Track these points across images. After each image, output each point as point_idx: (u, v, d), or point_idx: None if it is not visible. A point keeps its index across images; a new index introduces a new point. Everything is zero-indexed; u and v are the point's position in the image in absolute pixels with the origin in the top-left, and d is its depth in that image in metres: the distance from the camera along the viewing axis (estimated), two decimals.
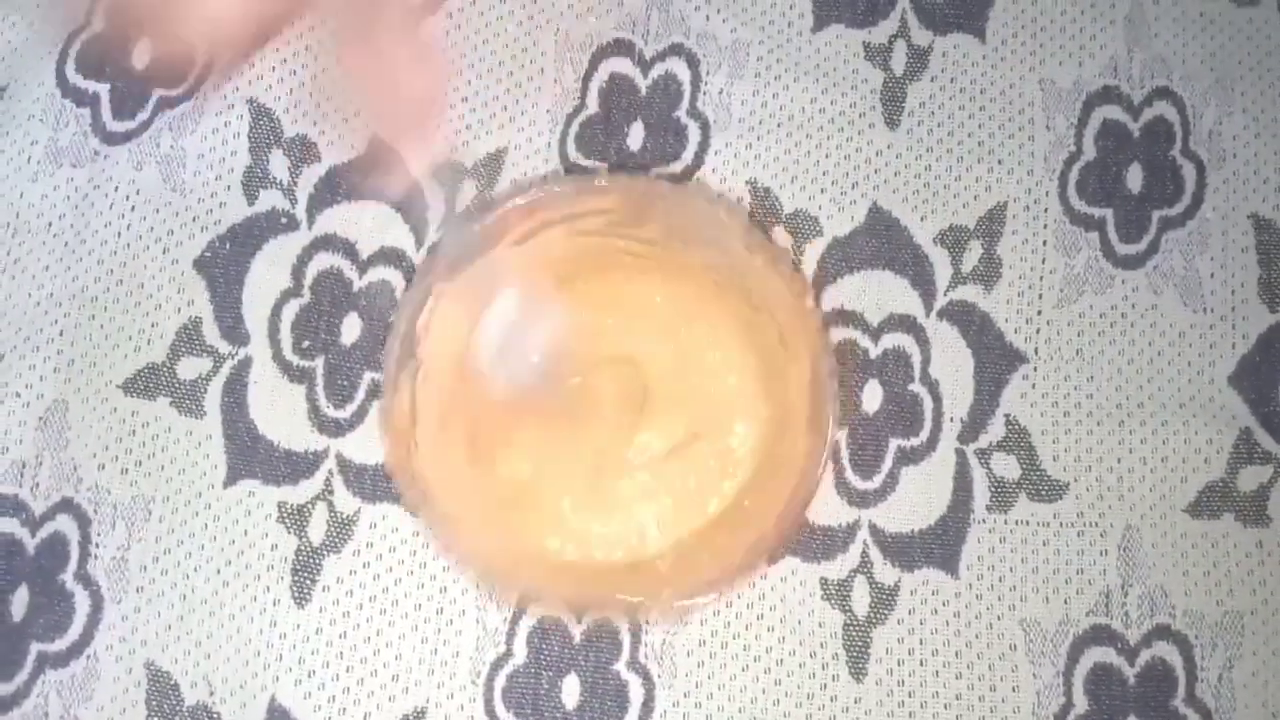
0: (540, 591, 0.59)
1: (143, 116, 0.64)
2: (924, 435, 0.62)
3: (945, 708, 0.59)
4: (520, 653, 0.59)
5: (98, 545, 0.60)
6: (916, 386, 0.62)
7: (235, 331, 0.62)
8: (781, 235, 0.63)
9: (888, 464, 0.61)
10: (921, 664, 0.60)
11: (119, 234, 0.63)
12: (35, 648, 0.59)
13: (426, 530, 0.59)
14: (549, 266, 0.61)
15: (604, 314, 0.62)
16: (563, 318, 0.61)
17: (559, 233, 0.61)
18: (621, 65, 0.65)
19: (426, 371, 0.60)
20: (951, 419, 0.62)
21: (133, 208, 0.63)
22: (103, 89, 0.64)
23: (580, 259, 0.62)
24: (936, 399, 0.62)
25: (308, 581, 0.60)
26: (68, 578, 0.59)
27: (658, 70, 0.65)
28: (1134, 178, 0.64)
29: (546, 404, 0.61)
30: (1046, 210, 0.64)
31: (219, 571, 0.60)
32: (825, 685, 0.59)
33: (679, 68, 0.65)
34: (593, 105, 0.65)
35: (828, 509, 0.60)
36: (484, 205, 0.63)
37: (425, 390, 0.60)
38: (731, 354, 0.61)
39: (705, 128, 0.65)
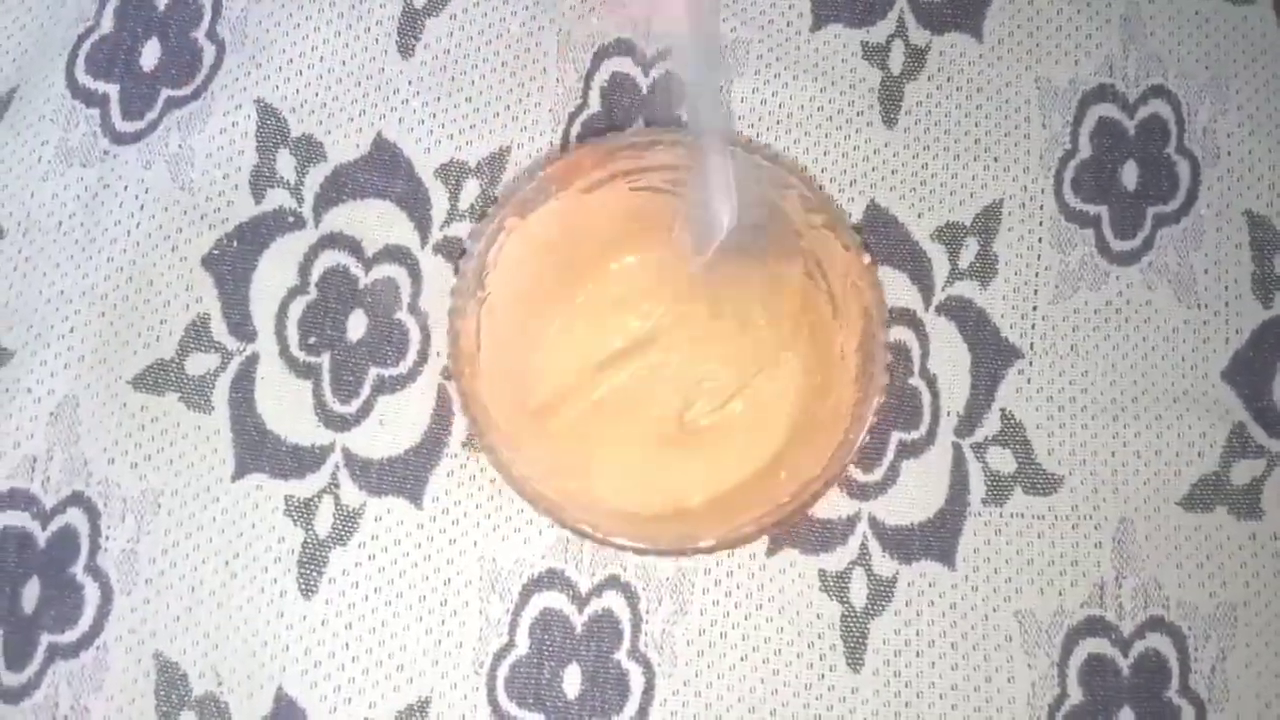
0: (591, 526, 0.57)
1: (151, 116, 0.64)
2: (923, 429, 0.62)
3: (941, 698, 0.60)
4: (523, 643, 0.60)
5: (107, 538, 0.60)
6: (916, 380, 0.63)
7: (243, 328, 0.62)
8: None
9: (889, 457, 0.62)
10: (918, 655, 0.60)
11: (128, 232, 0.63)
12: (46, 639, 0.59)
13: (482, 453, 0.59)
14: (611, 219, 0.61)
15: (652, 275, 0.62)
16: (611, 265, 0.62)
17: (625, 185, 0.61)
18: (623, 65, 0.66)
19: (491, 304, 0.60)
20: (949, 413, 0.62)
21: (142, 206, 0.63)
22: (112, 89, 0.65)
23: (641, 214, 0.62)
24: (934, 393, 0.63)
25: (314, 573, 0.60)
26: (78, 570, 0.60)
27: (658, 69, 0.66)
28: (1129, 175, 0.65)
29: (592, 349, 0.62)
30: (1042, 207, 0.64)
31: (227, 564, 0.60)
32: (823, 675, 0.60)
33: (680, 66, 0.65)
34: (595, 104, 0.65)
35: (828, 501, 0.60)
36: (556, 151, 0.64)
37: (489, 320, 0.59)
38: (778, 314, 0.62)
39: None
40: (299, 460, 0.61)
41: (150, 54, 0.65)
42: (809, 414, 0.61)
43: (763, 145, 0.64)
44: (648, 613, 0.60)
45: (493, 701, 0.59)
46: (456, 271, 0.62)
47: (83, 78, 0.65)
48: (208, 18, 0.66)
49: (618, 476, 0.60)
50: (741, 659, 0.60)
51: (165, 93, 0.65)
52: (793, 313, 0.62)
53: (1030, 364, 0.63)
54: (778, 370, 0.61)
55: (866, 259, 0.59)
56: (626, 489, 0.60)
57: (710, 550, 0.57)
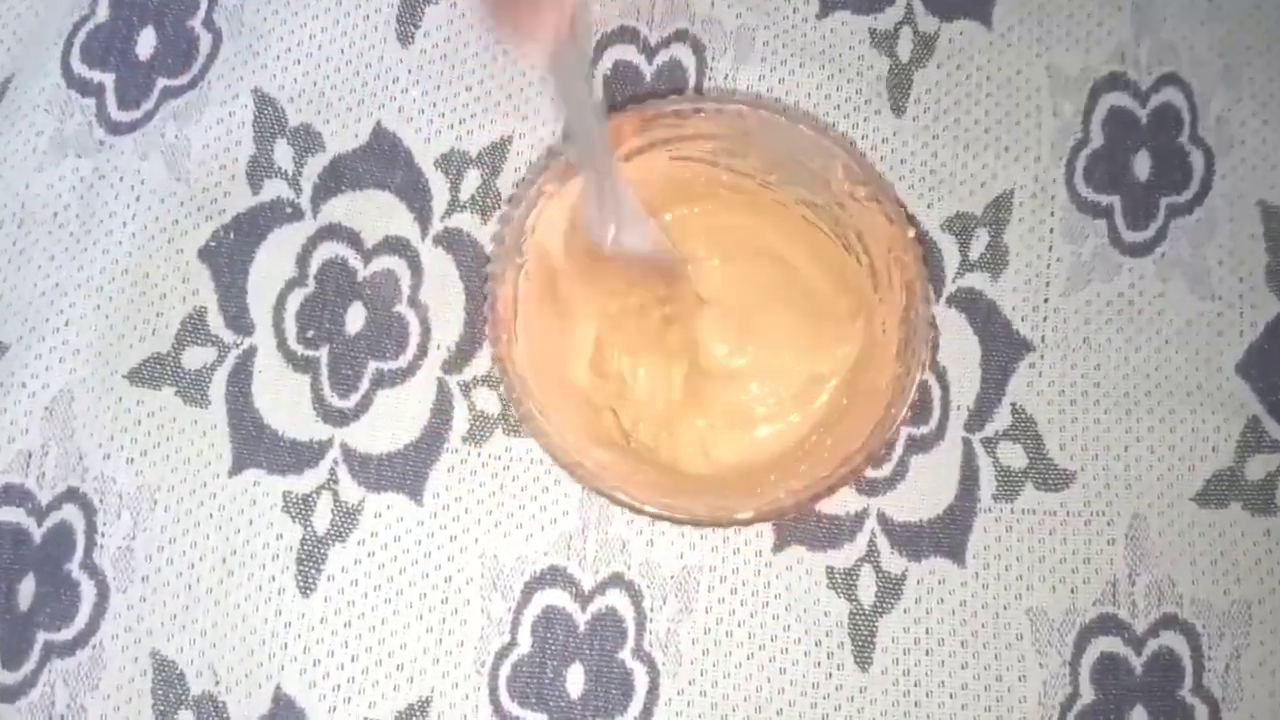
0: (626, 495, 0.56)
1: (147, 106, 0.63)
2: (933, 423, 0.61)
3: (951, 697, 0.59)
4: (525, 642, 0.59)
5: (103, 535, 0.59)
6: (926, 374, 0.61)
7: (240, 321, 0.61)
8: None
9: (898, 452, 0.61)
10: (927, 654, 0.59)
11: (124, 224, 0.62)
12: (42, 636, 0.58)
13: (523, 420, 0.57)
14: (650, 187, 0.59)
15: (690, 246, 0.61)
16: (651, 244, 0.60)
17: (664, 154, 0.60)
18: (626, 52, 0.65)
19: (529, 270, 0.58)
20: (959, 407, 0.61)
21: (138, 198, 0.62)
22: (107, 79, 0.64)
23: (679, 185, 0.61)
24: (944, 387, 0.62)
25: (313, 571, 0.59)
26: (74, 567, 0.59)
27: (663, 57, 0.65)
28: (1141, 165, 0.64)
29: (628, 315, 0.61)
30: (1054, 198, 0.63)
31: (224, 561, 0.59)
32: (830, 674, 0.59)
33: (684, 54, 0.65)
34: (598, 92, 0.64)
35: (836, 497, 0.59)
36: (601, 112, 0.61)
37: (527, 286, 0.58)
38: (813, 288, 0.61)
39: None
40: (297, 455, 0.60)
41: (146, 43, 0.64)
42: (850, 387, 0.60)
43: (808, 115, 0.63)
44: (652, 611, 0.59)
45: (494, 701, 0.58)
46: (493, 237, 0.61)
47: (78, 67, 0.64)
48: (205, 6, 0.65)
49: (655, 432, 0.60)
50: (748, 658, 0.59)
51: (161, 82, 0.64)
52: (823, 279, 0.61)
53: (1041, 357, 0.62)
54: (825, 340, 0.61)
55: (911, 233, 0.57)
56: (664, 445, 0.59)
57: (748, 522, 0.56)
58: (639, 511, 0.55)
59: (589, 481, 0.56)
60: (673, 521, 0.56)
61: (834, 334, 0.60)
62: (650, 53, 0.65)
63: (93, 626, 0.58)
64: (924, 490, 0.60)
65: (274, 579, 0.59)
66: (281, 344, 0.61)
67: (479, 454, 0.60)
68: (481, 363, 0.61)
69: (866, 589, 0.60)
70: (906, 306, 0.57)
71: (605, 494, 0.55)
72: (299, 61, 0.64)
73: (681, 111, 0.59)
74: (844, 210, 0.59)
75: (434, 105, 0.64)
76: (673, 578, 0.59)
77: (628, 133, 0.58)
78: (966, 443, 0.61)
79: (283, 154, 0.63)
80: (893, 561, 0.60)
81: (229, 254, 0.62)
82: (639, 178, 0.58)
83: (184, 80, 0.64)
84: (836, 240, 0.60)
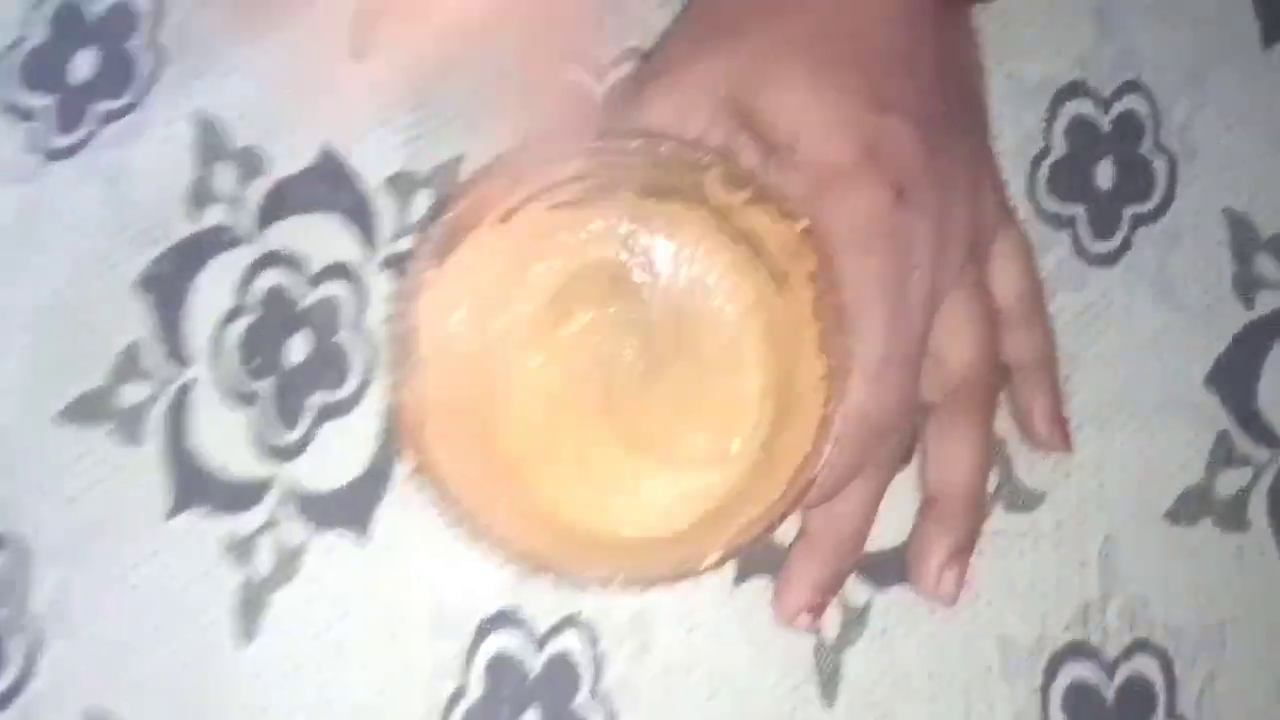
0: (577, 571, 0.49)
1: (85, 130, 0.57)
2: None
3: None
4: (477, 687, 0.52)
5: (37, 582, 0.53)
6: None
7: (178, 354, 0.55)
8: None
9: None
10: (894, 687, 0.53)
11: (60, 254, 0.55)
12: None
13: (459, 530, 0.49)
14: (533, 241, 0.53)
15: (587, 287, 0.54)
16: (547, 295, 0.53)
17: (541, 206, 0.52)
18: (579, 73, 0.59)
19: (431, 365, 0.51)
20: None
21: (74, 226, 0.56)
22: (43, 102, 0.57)
23: (563, 231, 0.53)
24: None
25: (254, 617, 0.53)
26: (3, 617, 0.52)
27: (617, 74, 0.58)
28: (1105, 174, 0.59)
29: (545, 377, 0.53)
30: (1016, 208, 0.57)
31: (162, 609, 0.53)
32: (795, 710, 0.53)
33: None
34: None
35: (795, 524, 0.53)
36: (461, 189, 0.56)
37: (430, 382, 0.51)
38: (721, 307, 0.54)
39: None
40: (237, 495, 0.54)
41: (84, 64, 0.58)
42: (779, 401, 0.52)
43: (666, 136, 0.53)
44: (609, 652, 0.53)
45: None
46: (386, 335, 0.55)
47: (13, 90, 0.57)
48: (148, 25, 0.58)
49: (597, 500, 0.52)
50: (709, 698, 0.53)
51: (100, 105, 0.57)
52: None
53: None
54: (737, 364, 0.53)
55: (799, 226, 0.50)
56: (611, 518, 0.52)
57: (716, 565, 0.48)
58: (605, 586, 0.48)
59: (544, 572, 0.48)
60: (641, 587, 0.48)
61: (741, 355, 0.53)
62: (601, 72, 0.58)
63: (23, 679, 0.52)
64: (886, 517, 0.54)
65: (214, 626, 0.53)
66: (221, 377, 0.55)
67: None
68: None
69: (830, 621, 0.54)
70: (815, 300, 0.50)
71: (567, 578, 0.48)
72: (246, 81, 0.57)
73: (543, 162, 0.51)
74: (729, 221, 0.52)
75: (382, 124, 0.57)
76: (630, 617, 0.53)
77: (494, 197, 0.51)
78: None
79: (225, 177, 0.56)
80: (856, 591, 0.54)
81: (167, 284, 0.56)
82: (523, 232, 0.51)
83: (124, 102, 0.57)
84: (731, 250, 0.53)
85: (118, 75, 0.57)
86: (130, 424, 0.54)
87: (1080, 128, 0.59)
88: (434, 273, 0.50)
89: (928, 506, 0.53)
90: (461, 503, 0.48)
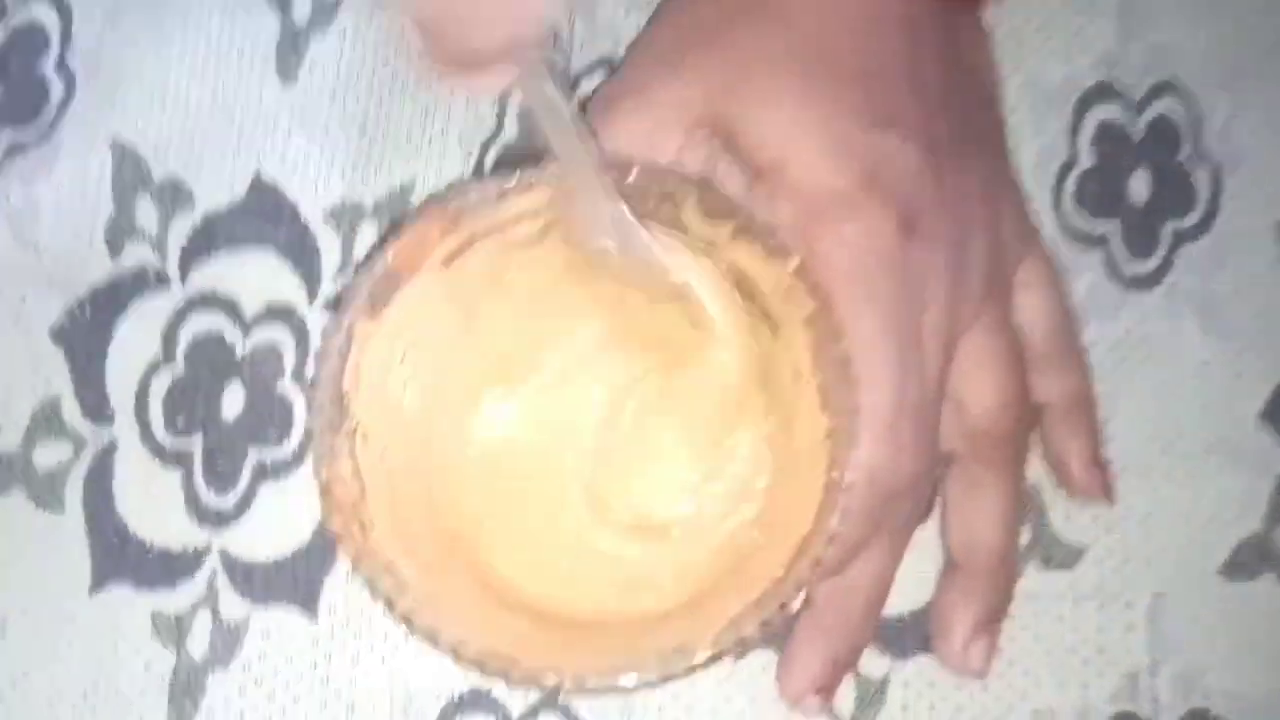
0: (544, 668, 0.43)
1: None
2: None
3: None
4: None
5: None
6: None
7: (99, 411, 0.51)
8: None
9: None
10: None
11: None
12: None
13: (404, 623, 0.44)
14: (482, 287, 0.48)
15: (550, 334, 0.49)
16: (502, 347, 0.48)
17: (490, 246, 0.47)
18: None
19: (365, 430, 0.46)
20: None
21: None
22: None
23: (516, 274, 0.48)
24: None
25: (189, 704, 0.49)
26: None
27: (585, 86, 0.54)
28: (1139, 186, 0.54)
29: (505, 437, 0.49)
30: (1041, 227, 0.53)
31: (85, 697, 0.49)
32: None
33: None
34: (510, 130, 0.53)
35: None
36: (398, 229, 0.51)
37: (367, 453, 0.46)
38: (709, 356, 0.48)
39: None
40: (168, 567, 0.50)
41: None
42: (777, 463, 0.47)
43: (634, 163, 0.47)
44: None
45: None
46: (308, 404, 0.51)
47: None
48: (55, 48, 0.55)
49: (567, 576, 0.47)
50: None
51: (6, 137, 0.54)
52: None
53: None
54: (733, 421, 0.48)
55: (793, 263, 0.44)
56: (583, 595, 0.47)
57: (708, 663, 0.42)
58: (577, 690, 0.42)
59: (505, 676, 0.42)
60: (619, 692, 0.43)
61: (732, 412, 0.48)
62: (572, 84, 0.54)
63: None
64: (903, 577, 0.49)
65: (144, 716, 0.49)
66: (146, 435, 0.51)
67: None
68: None
69: (844, 696, 0.49)
70: (814, 346, 0.44)
71: (534, 683, 0.42)
72: (165, 106, 0.53)
73: (486, 198, 0.46)
74: (711, 256, 0.46)
75: (321, 150, 0.53)
76: (614, 698, 0.49)
77: (436, 237, 0.46)
78: None
79: (146, 213, 0.53)
80: (873, 663, 0.49)
81: (85, 333, 0.52)
82: (470, 276, 0.46)
83: (32, 134, 0.54)
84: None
85: (25, 103, 0.54)
86: (48, 489, 0.51)
87: (1109, 135, 0.55)
88: (366, 324, 0.45)
89: (951, 572, 0.49)
90: (409, 591, 0.43)
